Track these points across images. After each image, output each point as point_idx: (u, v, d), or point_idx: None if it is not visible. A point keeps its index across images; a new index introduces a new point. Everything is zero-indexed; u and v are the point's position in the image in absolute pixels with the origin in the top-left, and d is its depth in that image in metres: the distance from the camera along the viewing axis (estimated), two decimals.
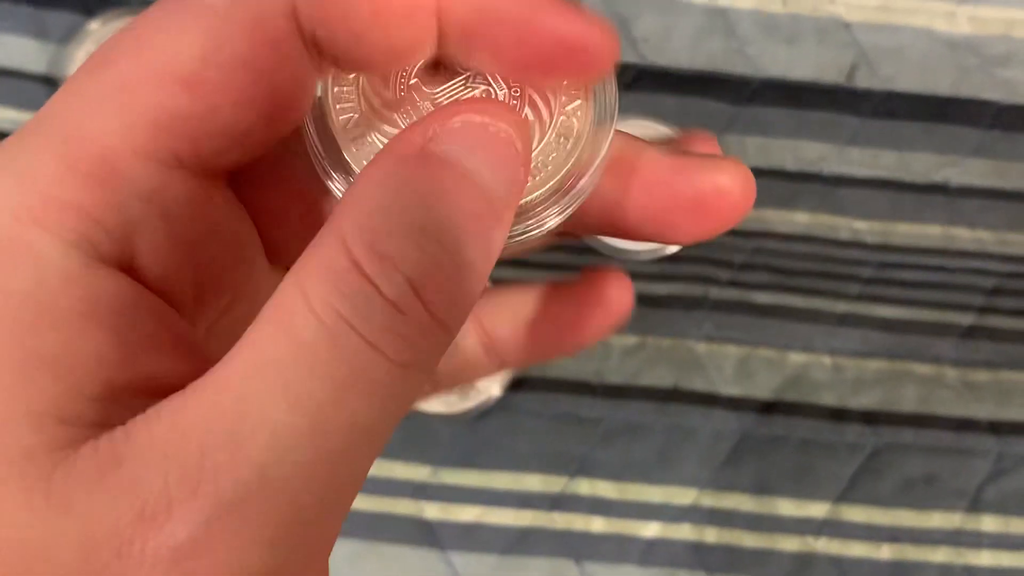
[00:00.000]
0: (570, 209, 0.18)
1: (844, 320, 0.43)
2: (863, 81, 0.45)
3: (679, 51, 0.44)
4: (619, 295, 0.22)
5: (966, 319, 0.43)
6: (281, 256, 0.20)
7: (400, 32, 0.16)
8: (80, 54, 0.41)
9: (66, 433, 0.14)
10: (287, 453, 0.14)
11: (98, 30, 0.42)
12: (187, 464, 0.14)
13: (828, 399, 0.42)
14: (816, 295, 0.43)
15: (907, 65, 0.45)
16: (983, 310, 0.43)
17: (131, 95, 0.15)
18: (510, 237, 0.17)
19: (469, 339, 0.22)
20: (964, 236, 0.44)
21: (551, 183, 0.18)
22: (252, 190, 0.19)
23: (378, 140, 0.18)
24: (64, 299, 0.15)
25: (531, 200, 0.18)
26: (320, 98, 0.18)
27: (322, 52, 0.16)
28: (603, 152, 0.18)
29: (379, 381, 0.14)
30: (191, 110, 0.15)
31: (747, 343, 0.43)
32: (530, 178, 0.18)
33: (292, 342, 0.14)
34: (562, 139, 0.19)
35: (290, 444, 0.14)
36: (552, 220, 0.18)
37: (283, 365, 0.14)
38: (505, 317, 0.22)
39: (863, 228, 0.44)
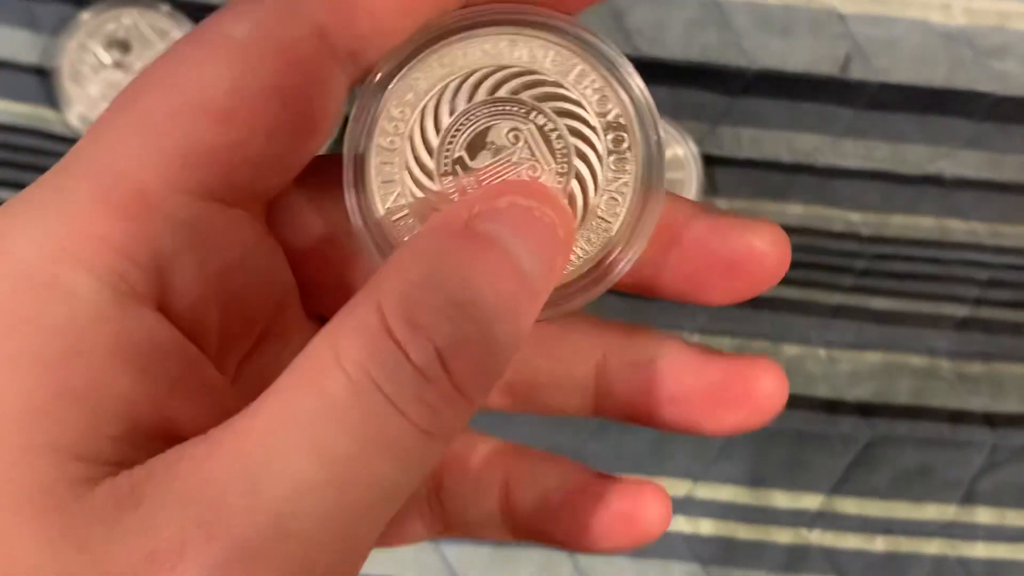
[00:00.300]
0: (601, 290, 0.18)
1: (838, 312, 0.43)
2: (857, 73, 0.44)
3: (673, 43, 0.44)
4: (655, 515, 0.20)
5: (961, 311, 0.43)
6: (316, 305, 0.20)
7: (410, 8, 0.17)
8: (72, 45, 0.41)
9: (85, 470, 0.14)
10: (306, 505, 0.14)
11: (90, 21, 0.42)
12: (204, 508, 0.14)
13: (822, 391, 0.42)
14: (810, 287, 0.43)
15: (901, 57, 0.45)
16: (977, 302, 0.43)
17: (162, 130, 0.15)
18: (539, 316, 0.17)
19: (491, 500, 0.21)
20: (958, 228, 0.44)
21: (586, 262, 0.18)
22: (291, 236, 0.19)
23: (416, 208, 0.18)
24: (93, 336, 0.15)
25: (564, 280, 0.18)
26: (362, 155, 0.18)
27: (355, 62, 0.17)
28: (643, 241, 0.18)
29: (402, 444, 0.15)
30: (223, 142, 0.16)
31: (741, 335, 0.43)
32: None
33: (320, 397, 0.14)
34: (603, 221, 0.18)
35: (310, 496, 0.14)
36: (582, 300, 0.18)
37: (310, 418, 0.14)
38: (529, 492, 0.20)
39: (857, 220, 0.44)
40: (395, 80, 0.17)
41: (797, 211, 0.44)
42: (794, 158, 0.44)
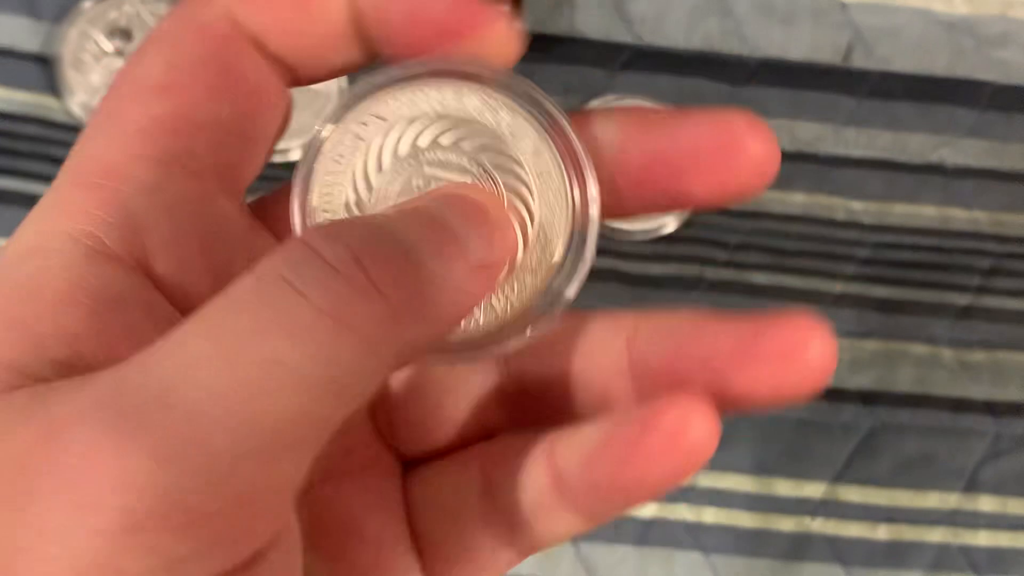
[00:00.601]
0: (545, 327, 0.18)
1: (840, 301, 0.43)
2: (859, 62, 0.45)
3: (675, 31, 0.44)
4: (696, 432, 0.17)
5: (962, 299, 0.43)
6: None
7: (320, 23, 0.18)
8: (73, 33, 0.41)
9: (17, 380, 0.15)
10: (195, 375, 0.14)
11: (91, 9, 0.41)
12: (101, 390, 0.14)
13: None
14: (812, 275, 0.43)
15: (903, 46, 0.45)
16: (979, 290, 0.43)
17: (118, 114, 0.17)
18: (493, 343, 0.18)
19: (538, 478, 0.19)
20: (960, 216, 0.44)
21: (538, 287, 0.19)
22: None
23: None
24: (53, 282, 0.16)
25: (508, 316, 0.19)
26: (307, 185, 0.18)
27: (267, 53, 0.18)
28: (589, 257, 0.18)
29: (303, 324, 0.14)
30: (171, 110, 0.17)
31: None
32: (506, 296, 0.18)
33: (226, 297, 0.15)
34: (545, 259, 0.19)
35: (199, 368, 0.14)
36: (527, 336, 0.18)
37: (211, 312, 0.14)
38: (572, 450, 0.19)
39: (859, 209, 0.44)
40: (347, 114, 0.18)
41: (799, 200, 0.44)
42: (796, 147, 0.44)
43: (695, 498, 0.41)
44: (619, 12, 0.44)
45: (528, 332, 0.18)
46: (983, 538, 0.42)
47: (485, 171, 0.18)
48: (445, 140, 0.18)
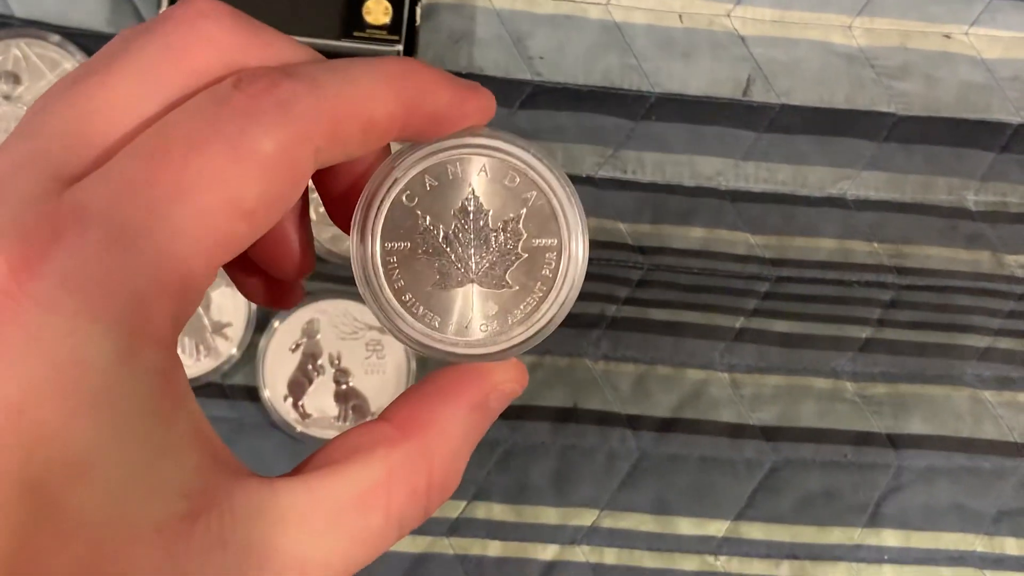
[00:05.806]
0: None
1: (741, 335, 0.43)
2: (759, 95, 0.44)
3: (574, 67, 0.44)
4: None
5: (864, 332, 0.43)
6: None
7: (372, 141, 0.22)
8: None
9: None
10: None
11: None
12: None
13: (726, 416, 0.42)
14: (713, 311, 0.43)
15: (803, 78, 0.45)
16: (880, 323, 0.43)
17: (209, 223, 0.20)
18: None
19: None
20: (860, 249, 0.44)
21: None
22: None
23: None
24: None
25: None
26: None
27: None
28: None
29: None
30: (246, 234, 0.20)
31: (644, 361, 0.42)
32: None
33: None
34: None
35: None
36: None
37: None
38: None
39: (759, 243, 0.43)
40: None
41: (699, 234, 0.43)
42: (696, 181, 0.44)
43: (596, 539, 0.41)
44: (519, 49, 0.44)
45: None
46: (887, 572, 0.42)
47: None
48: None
